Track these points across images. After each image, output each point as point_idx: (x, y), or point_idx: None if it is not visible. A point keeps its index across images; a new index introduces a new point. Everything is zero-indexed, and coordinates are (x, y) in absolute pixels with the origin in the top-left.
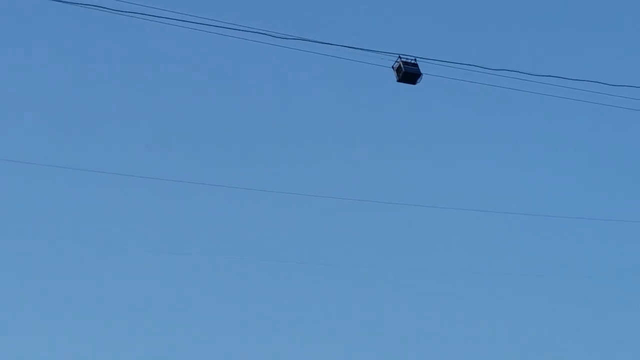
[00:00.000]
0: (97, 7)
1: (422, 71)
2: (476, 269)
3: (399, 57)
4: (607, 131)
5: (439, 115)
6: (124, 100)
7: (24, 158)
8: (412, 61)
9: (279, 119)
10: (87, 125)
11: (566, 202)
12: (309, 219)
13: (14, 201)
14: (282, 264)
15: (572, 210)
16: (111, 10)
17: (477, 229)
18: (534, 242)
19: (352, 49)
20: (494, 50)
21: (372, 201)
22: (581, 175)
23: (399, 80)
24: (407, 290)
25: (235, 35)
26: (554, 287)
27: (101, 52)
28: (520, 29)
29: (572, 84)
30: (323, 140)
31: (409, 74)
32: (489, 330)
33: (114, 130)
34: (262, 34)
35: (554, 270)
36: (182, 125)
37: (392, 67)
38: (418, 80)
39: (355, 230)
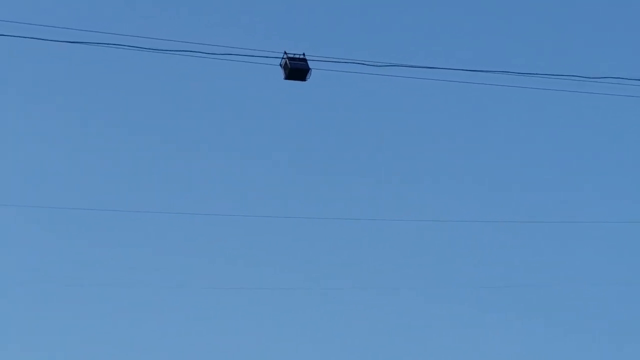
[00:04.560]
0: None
1: (310, 66)
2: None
3: (285, 53)
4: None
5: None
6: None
7: None
8: (300, 56)
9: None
10: None
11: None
12: None
13: None
14: None
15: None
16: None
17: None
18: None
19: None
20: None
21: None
22: None
23: (286, 78)
24: None
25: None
26: None
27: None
28: (424, 23)
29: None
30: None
31: (296, 69)
32: None
33: None
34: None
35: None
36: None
37: (280, 65)
38: (307, 76)
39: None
